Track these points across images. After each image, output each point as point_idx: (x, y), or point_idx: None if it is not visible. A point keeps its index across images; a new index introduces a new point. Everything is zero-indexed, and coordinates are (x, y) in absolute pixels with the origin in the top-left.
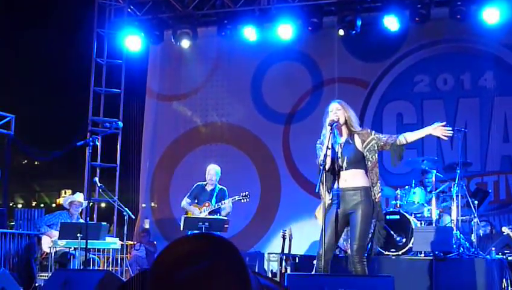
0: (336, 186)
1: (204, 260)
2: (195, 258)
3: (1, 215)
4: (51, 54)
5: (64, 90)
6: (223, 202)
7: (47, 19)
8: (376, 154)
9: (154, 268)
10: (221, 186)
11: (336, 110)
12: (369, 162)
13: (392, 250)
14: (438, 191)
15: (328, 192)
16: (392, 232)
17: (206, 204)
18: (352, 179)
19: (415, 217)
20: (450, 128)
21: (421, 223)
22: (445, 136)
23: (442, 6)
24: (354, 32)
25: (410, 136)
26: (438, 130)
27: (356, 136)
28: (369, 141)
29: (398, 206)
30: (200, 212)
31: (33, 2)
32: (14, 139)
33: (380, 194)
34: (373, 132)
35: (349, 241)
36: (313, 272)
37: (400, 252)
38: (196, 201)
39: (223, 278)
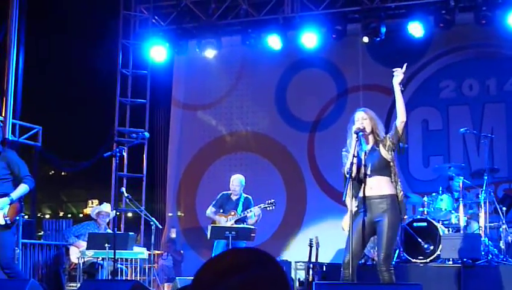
0: (361, 194)
1: (245, 273)
2: (237, 271)
3: (29, 226)
4: (77, 65)
5: (91, 101)
6: (249, 210)
7: (73, 31)
8: (393, 152)
9: (196, 281)
10: (246, 195)
11: (362, 120)
12: (392, 169)
13: (420, 257)
14: (465, 198)
15: (354, 200)
16: (419, 240)
17: (232, 213)
18: (377, 186)
19: (442, 224)
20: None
21: (448, 230)
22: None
23: (467, 12)
24: (378, 39)
25: (396, 103)
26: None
27: (381, 144)
28: (388, 144)
29: (426, 213)
30: (226, 221)
31: (59, 14)
32: (41, 151)
33: (402, 192)
34: (389, 134)
35: (374, 249)
36: (340, 281)
37: (428, 260)
38: (221, 210)
39: None
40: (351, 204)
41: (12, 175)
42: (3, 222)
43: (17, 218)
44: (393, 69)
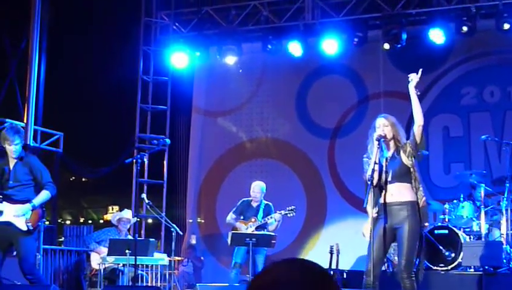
0: (382, 200)
1: (299, 285)
2: (290, 283)
3: (50, 232)
4: (98, 72)
5: (112, 107)
6: (270, 216)
7: (94, 38)
8: (414, 159)
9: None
10: (266, 202)
11: (383, 127)
12: (412, 175)
13: (441, 265)
14: (486, 205)
15: (375, 207)
16: (440, 247)
17: (253, 219)
18: (398, 193)
19: (463, 231)
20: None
21: (470, 238)
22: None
23: (488, 18)
24: (399, 45)
25: (413, 107)
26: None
27: (401, 150)
28: (408, 151)
29: (447, 220)
30: (247, 228)
31: (80, 21)
32: (62, 157)
33: (424, 198)
34: (408, 141)
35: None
36: (362, 288)
37: (449, 267)
38: (242, 217)
39: None
40: (372, 211)
41: (34, 181)
42: (25, 228)
43: (39, 224)
44: (409, 75)
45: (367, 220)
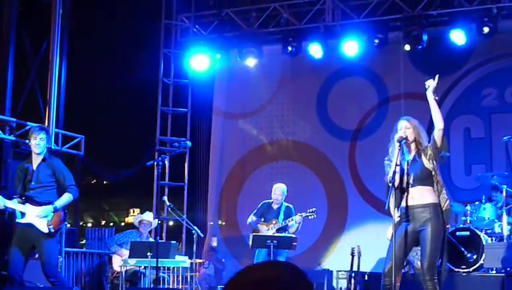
0: (404, 203)
1: (277, 287)
2: (266, 286)
3: (72, 235)
4: (119, 75)
5: (132, 110)
6: (290, 219)
7: (115, 41)
8: (435, 162)
9: (230, 287)
10: (287, 204)
11: (405, 129)
12: (434, 178)
13: (463, 267)
14: (508, 206)
15: (396, 210)
16: (462, 249)
17: (273, 222)
18: (419, 196)
19: (485, 233)
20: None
21: (491, 239)
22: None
23: (509, 19)
24: (420, 47)
25: (432, 112)
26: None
27: (422, 153)
28: (429, 154)
29: (468, 222)
30: (268, 230)
31: (101, 24)
32: (83, 160)
33: (447, 201)
34: (429, 144)
35: (417, 259)
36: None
37: (471, 269)
38: (263, 219)
39: None
40: (395, 213)
41: (57, 183)
42: (46, 230)
43: (61, 226)
44: (426, 82)
45: (388, 222)
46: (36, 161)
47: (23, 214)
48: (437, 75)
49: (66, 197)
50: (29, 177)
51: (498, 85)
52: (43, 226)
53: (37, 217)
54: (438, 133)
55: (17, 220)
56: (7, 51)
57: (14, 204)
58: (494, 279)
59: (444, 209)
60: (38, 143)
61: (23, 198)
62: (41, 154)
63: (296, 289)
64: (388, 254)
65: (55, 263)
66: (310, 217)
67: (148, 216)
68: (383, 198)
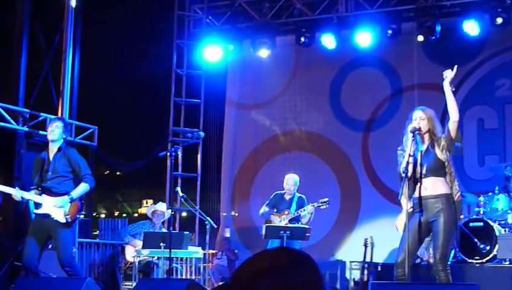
0: (416, 194)
1: (283, 274)
2: (275, 272)
3: (85, 225)
4: (132, 66)
5: (146, 101)
6: (303, 209)
7: (128, 31)
8: (448, 153)
9: (235, 279)
10: (299, 195)
11: (420, 120)
12: (447, 169)
13: (476, 258)
14: None
15: (409, 200)
16: (475, 240)
17: (286, 212)
18: (432, 186)
19: (499, 224)
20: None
21: (505, 230)
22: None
23: None
24: (433, 37)
25: (448, 103)
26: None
27: (436, 144)
28: (442, 145)
29: (482, 213)
30: (280, 221)
31: (114, 15)
32: (97, 150)
33: (459, 193)
34: (444, 136)
35: (428, 250)
36: (394, 280)
37: (484, 260)
38: (275, 210)
39: None
40: (406, 204)
41: (73, 173)
42: (63, 220)
43: (78, 216)
44: (444, 72)
45: (401, 213)
46: (52, 151)
47: (39, 205)
48: (455, 66)
49: (83, 187)
50: (46, 168)
51: (511, 76)
52: (60, 216)
53: (53, 207)
54: (453, 125)
55: (34, 211)
56: (20, 42)
57: (31, 195)
58: (507, 270)
59: (455, 200)
60: (53, 130)
61: (40, 189)
62: (57, 143)
63: (299, 271)
64: (401, 244)
65: (70, 253)
66: (322, 207)
67: (162, 207)
68: (396, 189)
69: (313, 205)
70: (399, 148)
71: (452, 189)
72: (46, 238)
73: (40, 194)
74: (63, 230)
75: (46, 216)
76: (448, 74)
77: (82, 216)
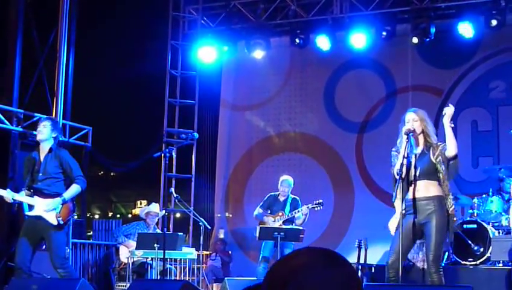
0: (410, 196)
1: (319, 274)
2: (311, 271)
3: (79, 226)
4: (127, 66)
5: (140, 102)
6: (297, 210)
7: (122, 32)
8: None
9: (270, 276)
10: (294, 196)
11: (413, 121)
12: (440, 174)
13: (470, 259)
14: None
15: (402, 202)
16: (469, 242)
17: (280, 214)
18: (424, 189)
19: (492, 226)
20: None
21: (498, 232)
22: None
23: None
24: (428, 39)
25: (447, 139)
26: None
27: (431, 149)
28: (438, 154)
29: (475, 215)
30: (274, 222)
31: (109, 15)
32: (91, 151)
33: (453, 207)
34: (442, 144)
35: (419, 254)
36: (386, 282)
37: (478, 262)
38: (269, 211)
39: None
40: (400, 206)
41: (64, 174)
42: (56, 222)
43: (70, 218)
44: (444, 109)
45: (394, 214)
46: (43, 151)
47: (31, 207)
48: (452, 106)
49: (74, 189)
50: (37, 168)
51: (506, 78)
52: (52, 218)
53: (45, 210)
54: (448, 155)
55: (26, 213)
56: (15, 42)
57: (22, 197)
58: (500, 272)
59: (450, 213)
60: (40, 130)
61: (32, 190)
62: (47, 143)
63: (332, 272)
64: (392, 246)
65: (63, 254)
66: (316, 209)
67: (155, 207)
68: (390, 190)
69: (308, 207)
70: (393, 149)
71: (446, 198)
72: (38, 239)
73: (31, 196)
74: (55, 232)
75: (38, 218)
76: (448, 111)
77: (76, 217)
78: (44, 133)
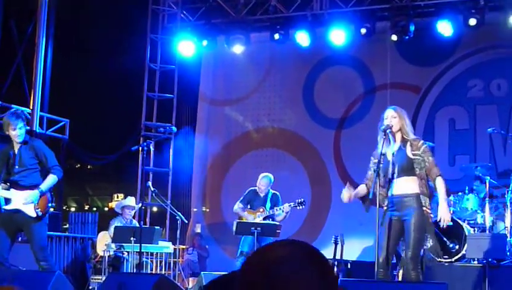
0: (389, 193)
1: (297, 267)
2: (288, 264)
3: (55, 219)
4: (105, 59)
5: (118, 95)
6: (279, 208)
7: (102, 25)
8: (424, 169)
9: (246, 267)
10: (274, 191)
11: (391, 118)
12: (417, 170)
13: (445, 257)
14: (491, 198)
15: (383, 200)
16: (445, 239)
17: (261, 209)
18: (404, 186)
19: (468, 223)
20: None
21: (474, 230)
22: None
23: (496, 11)
24: (407, 37)
25: (438, 193)
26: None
27: (408, 144)
28: (417, 154)
29: (451, 212)
30: (255, 218)
31: (88, 8)
32: (68, 143)
33: (429, 207)
34: (425, 146)
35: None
36: (375, 279)
37: (453, 259)
38: (249, 206)
39: (311, 286)
40: (346, 192)
41: (40, 165)
42: (35, 215)
43: (48, 208)
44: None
45: (372, 210)
46: (17, 144)
47: (9, 201)
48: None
49: (51, 179)
50: (12, 161)
51: (484, 77)
52: (30, 211)
53: (24, 203)
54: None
55: (3, 207)
56: None
57: None
58: (475, 269)
59: (426, 211)
60: (19, 134)
61: (8, 183)
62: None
63: (309, 266)
64: (380, 243)
65: (45, 245)
66: (298, 208)
67: (130, 201)
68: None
69: (290, 205)
70: (372, 158)
71: (424, 196)
72: (15, 232)
73: (8, 189)
74: (35, 224)
75: (17, 211)
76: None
77: (52, 209)
78: (22, 133)
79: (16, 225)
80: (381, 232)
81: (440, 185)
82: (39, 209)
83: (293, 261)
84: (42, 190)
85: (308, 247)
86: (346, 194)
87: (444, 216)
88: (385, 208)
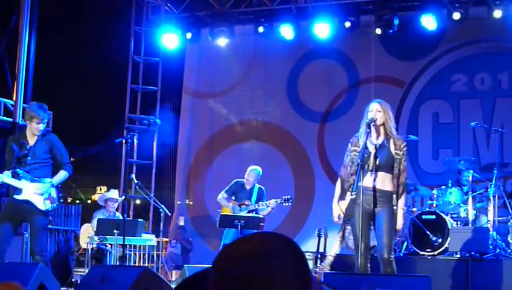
0: (367, 184)
1: (267, 259)
2: (258, 256)
3: None
4: (89, 51)
5: (102, 87)
6: (264, 203)
7: (85, 17)
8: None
9: (217, 263)
10: (259, 186)
11: (376, 112)
12: (396, 169)
13: (428, 250)
14: (474, 191)
15: (354, 189)
16: (428, 232)
17: (246, 202)
18: (381, 181)
19: (451, 217)
20: None
21: (457, 224)
22: None
23: (480, 5)
24: (391, 31)
25: (400, 199)
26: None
27: (392, 141)
28: (398, 153)
29: (434, 206)
30: (240, 211)
31: (71, 1)
32: None
33: (397, 207)
34: (405, 149)
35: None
36: (356, 271)
37: (436, 253)
38: (233, 198)
39: (284, 278)
40: (361, 195)
41: (52, 160)
42: (43, 207)
43: (55, 204)
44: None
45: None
46: (33, 136)
47: (20, 191)
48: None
49: (63, 175)
50: (26, 152)
51: (467, 71)
52: (39, 203)
53: (35, 193)
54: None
55: (14, 196)
56: None
57: (10, 179)
58: (458, 262)
59: (395, 208)
60: (42, 128)
61: (17, 173)
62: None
63: (286, 259)
64: (355, 236)
65: (45, 240)
66: (284, 205)
67: (113, 194)
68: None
69: (276, 201)
70: (350, 145)
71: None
72: (19, 224)
73: (19, 179)
74: (40, 217)
75: (25, 202)
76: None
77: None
78: (44, 127)
79: (21, 216)
80: (354, 223)
81: (404, 192)
82: (48, 202)
83: (268, 254)
84: (53, 183)
85: (285, 239)
86: (336, 214)
87: (401, 223)
88: (354, 196)
